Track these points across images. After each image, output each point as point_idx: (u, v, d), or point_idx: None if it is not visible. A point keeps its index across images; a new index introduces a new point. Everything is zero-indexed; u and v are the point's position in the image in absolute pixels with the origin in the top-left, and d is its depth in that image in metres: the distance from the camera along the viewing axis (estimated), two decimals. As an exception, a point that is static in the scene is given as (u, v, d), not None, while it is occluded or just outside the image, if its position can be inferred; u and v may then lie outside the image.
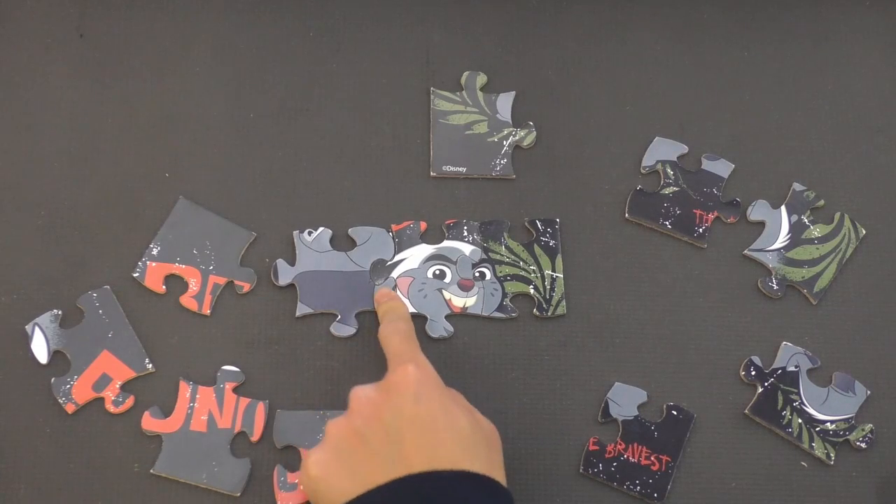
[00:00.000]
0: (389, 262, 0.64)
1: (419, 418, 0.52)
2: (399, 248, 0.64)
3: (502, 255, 0.64)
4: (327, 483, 0.52)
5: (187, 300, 0.62)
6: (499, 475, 0.52)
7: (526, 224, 0.65)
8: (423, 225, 0.65)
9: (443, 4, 0.70)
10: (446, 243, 0.64)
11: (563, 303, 0.63)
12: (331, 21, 0.69)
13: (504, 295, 0.63)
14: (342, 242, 0.64)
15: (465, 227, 0.65)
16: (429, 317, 0.63)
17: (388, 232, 0.64)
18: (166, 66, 0.68)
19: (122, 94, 0.67)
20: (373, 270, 0.63)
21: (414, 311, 0.63)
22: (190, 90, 0.67)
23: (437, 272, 0.64)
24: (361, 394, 0.54)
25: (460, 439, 0.52)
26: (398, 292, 0.63)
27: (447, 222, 0.65)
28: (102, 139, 0.66)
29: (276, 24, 0.69)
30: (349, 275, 0.63)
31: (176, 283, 0.63)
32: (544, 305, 0.63)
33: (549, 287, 0.64)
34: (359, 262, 0.63)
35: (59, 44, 0.68)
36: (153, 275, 0.62)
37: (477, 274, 0.64)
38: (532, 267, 0.64)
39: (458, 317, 0.63)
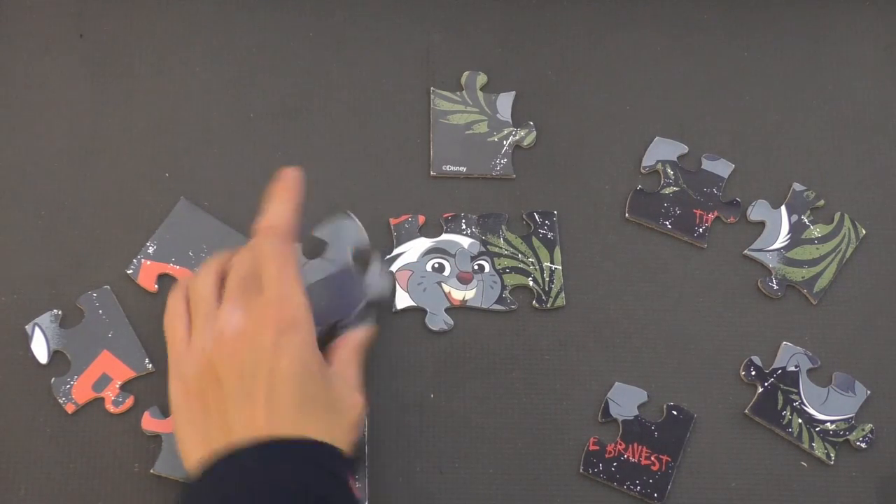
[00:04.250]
0: (388, 256, 0.63)
1: (278, 373, 0.49)
2: (398, 241, 0.64)
3: (501, 248, 0.64)
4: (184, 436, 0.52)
5: (187, 300, 0.62)
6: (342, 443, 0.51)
7: (524, 217, 0.65)
8: (422, 218, 0.65)
9: (443, 4, 0.70)
10: (445, 236, 0.64)
11: (563, 294, 0.63)
12: (331, 21, 0.69)
13: (503, 287, 0.63)
14: (313, 248, 0.61)
15: (464, 221, 0.65)
16: (428, 310, 0.63)
17: (349, 215, 0.61)
18: (166, 66, 0.68)
19: (122, 94, 0.67)
20: (357, 261, 0.60)
21: (413, 304, 0.63)
22: (190, 90, 0.67)
23: (436, 265, 0.64)
24: (230, 314, 0.50)
25: (311, 407, 0.50)
26: (397, 286, 0.63)
27: (445, 216, 0.65)
28: (102, 139, 0.66)
29: (276, 24, 0.69)
30: (334, 278, 0.59)
31: (169, 283, 0.62)
32: (543, 297, 0.63)
33: (547, 279, 0.64)
34: (337, 260, 0.60)
35: (59, 44, 0.68)
36: (146, 273, 0.62)
37: (476, 267, 0.64)
38: (531, 259, 0.64)
39: (458, 311, 0.63)
